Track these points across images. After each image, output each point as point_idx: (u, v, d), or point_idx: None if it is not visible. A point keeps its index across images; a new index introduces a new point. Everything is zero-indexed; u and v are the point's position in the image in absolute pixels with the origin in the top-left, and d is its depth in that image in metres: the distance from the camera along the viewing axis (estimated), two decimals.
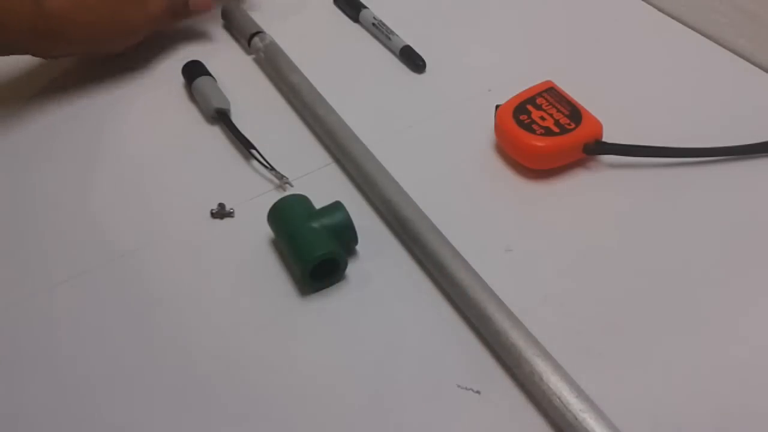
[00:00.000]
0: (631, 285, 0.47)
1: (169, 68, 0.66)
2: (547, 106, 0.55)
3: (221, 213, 0.53)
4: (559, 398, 0.40)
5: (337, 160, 0.57)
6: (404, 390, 0.43)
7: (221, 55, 0.68)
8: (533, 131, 0.53)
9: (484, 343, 0.45)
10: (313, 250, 0.46)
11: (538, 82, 0.57)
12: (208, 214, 0.54)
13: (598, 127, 0.53)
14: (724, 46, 0.64)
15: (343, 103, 0.60)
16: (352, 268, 0.49)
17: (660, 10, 0.68)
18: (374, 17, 0.69)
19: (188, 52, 0.66)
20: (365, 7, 0.71)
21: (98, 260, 0.51)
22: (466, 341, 0.45)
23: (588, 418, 0.39)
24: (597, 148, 0.53)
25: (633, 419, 0.40)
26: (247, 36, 0.68)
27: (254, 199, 0.55)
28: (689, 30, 0.66)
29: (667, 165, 0.54)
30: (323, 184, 0.55)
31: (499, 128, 0.55)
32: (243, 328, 0.47)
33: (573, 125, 0.53)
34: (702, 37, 0.65)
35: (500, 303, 0.44)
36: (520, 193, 0.53)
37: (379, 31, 0.68)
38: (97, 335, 0.47)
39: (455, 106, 0.61)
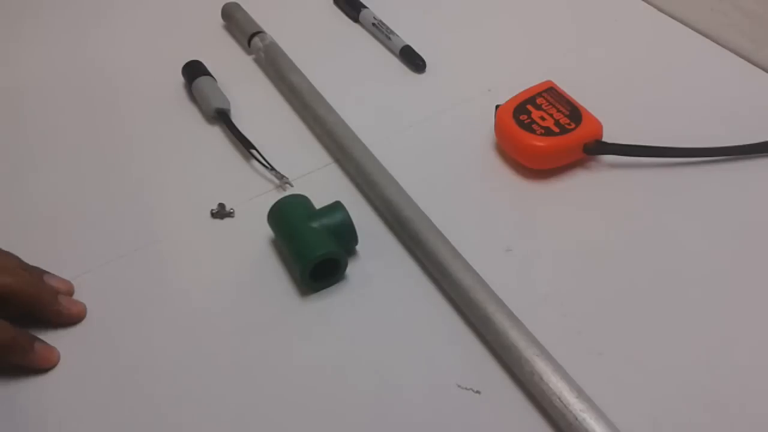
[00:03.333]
0: (631, 285, 0.47)
1: (169, 68, 0.66)
2: (547, 106, 0.55)
3: (221, 213, 0.53)
4: (559, 398, 0.40)
5: (337, 160, 0.57)
6: (404, 390, 0.43)
7: (221, 55, 0.68)
8: (533, 131, 0.53)
9: (484, 343, 0.45)
10: (313, 250, 0.46)
11: (538, 82, 0.57)
12: (208, 214, 0.54)
13: (598, 127, 0.53)
14: (724, 46, 0.64)
15: (343, 103, 0.60)
16: (352, 268, 0.49)
17: (660, 10, 0.68)
18: (374, 17, 0.69)
19: (188, 52, 0.66)
20: (365, 7, 0.71)
21: (98, 261, 0.51)
22: (466, 341, 0.45)
23: (588, 418, 0.39)
24: (597, 148, 0.53)
25: (633, 419, 0.40)
26: (247, 36, 0.68)
27: (254, 199, 0.55)
28: (689, 30, 0.66)
29: (667, 165, 0.54)
30: (323, 184, 0.55)
31: (499, 128, 0.55)
32: (243, 328, 0.47)
33: (573, 125, 0.53)
34: (702, 37, 0.65)
35: (500, 303, 0.44)
36: (520, 193, 0.53)
37: (379, 31, 0.68)
38: (96, 335, 0.47)
39: (455, 106, 0.61)
